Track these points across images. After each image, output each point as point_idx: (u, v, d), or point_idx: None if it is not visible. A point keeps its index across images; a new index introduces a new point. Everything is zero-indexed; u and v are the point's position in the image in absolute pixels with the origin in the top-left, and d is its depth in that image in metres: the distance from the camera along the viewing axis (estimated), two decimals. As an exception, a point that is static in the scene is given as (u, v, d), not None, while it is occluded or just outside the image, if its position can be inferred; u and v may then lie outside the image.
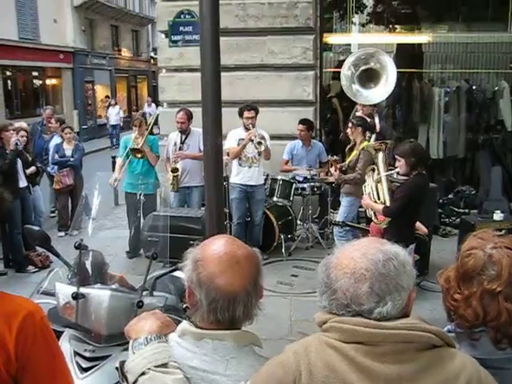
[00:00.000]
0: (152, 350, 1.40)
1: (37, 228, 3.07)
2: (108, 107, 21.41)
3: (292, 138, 7.02)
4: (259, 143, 6.07)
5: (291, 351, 1.28)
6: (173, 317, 1.97)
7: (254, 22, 7.27)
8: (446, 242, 6.84)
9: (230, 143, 6.19)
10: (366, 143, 5.71)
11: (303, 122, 6.85)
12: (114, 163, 8.07)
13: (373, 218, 4.72)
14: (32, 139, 7.66)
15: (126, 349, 1.56)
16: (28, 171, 6.68)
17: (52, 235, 4.11)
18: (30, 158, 6.75)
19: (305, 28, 7.24)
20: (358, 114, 6.30)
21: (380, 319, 1.23)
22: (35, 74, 20.28)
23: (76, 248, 2.63)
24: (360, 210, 5.93)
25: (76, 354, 2.50)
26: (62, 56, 20.85)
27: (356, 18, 9.05)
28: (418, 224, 4.77)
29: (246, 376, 1.35)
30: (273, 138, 6.47)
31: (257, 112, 6.22)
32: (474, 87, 8.98)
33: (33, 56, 18.74)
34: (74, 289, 2.51)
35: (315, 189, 6.86)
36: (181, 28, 6.92)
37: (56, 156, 7.89)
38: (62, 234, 7.57)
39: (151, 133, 6.98)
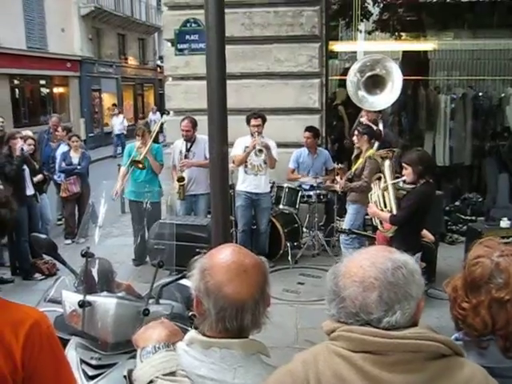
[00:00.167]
0: (160, 359, 1.40)
1: (44, 236, 3.09)
2: (112, 117, 21.57)
3: (298, 145, 7.03)
4: (260, 151, 6.09)
5: (300, 360, 1.27)
6: (179, 325, 1.97)
7: (260, 30, 7.30)
8: (453, 249, 6.80)
9: (236, 151, 6.21)
10: (371, 151, 5.71)
11: (309, 129, 6.85)
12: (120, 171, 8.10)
13: (379, 227, 4.70)
14: (39, 147, 7.70)
15: (133, 357, 1.56)
16: (35, 179, 6.72)
17: (59, 243, 4.13)
18: (37, 166, 6.80)
19: (310, 36, 7.26)
20: (363, 119, 6.30)
21: (389, 328, 1.22)
22: (42, 82, 20.43)
23: (82, 256, 2.64)
24: (366, 217, 5.92)
25: (82, 361, 2.50)
26: (69, 64, 20.99)
27: (362, 26, 9.08)
28: (424, 231, 4.75)
29: (253, 385, 1.35)
30: (279, 145, 6.48)
31: (264, 120, 6.23)
32: (480, 94, 8.96)
33: (40, 65, 18.87)
34: (80, 297, 2.52)
35: (321, 196, 6.85)
36: (187, 36, 6.97)
37: (63, 164, 7.93)
38: (69, 241, 7.59)
39: (156, 141, 7.02)
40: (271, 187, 6.71)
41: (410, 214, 4.35)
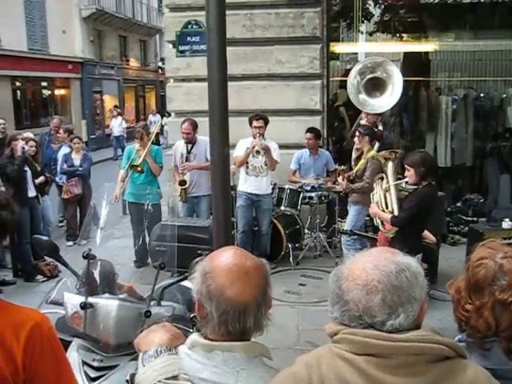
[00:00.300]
0: (162, 363, 1.39)
1: (45, 238, 3.09)
2: (111, 119, 21.67)
3: (299, 147, 7.03)
4: (257, 152, 6.11)
5: (302, 363, 1.27)
6: (181, 326, 1.97)
7: (261, 31, 7.30)
8: (455, 250, 6.79)
9: (237, 152, 6.22)
10: (372, 152, 5.71)
11: (311, 130, 6.86)
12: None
13: (380, 227, 4.70)
14: (40, 149, 7.71)
15: (134, 358, 1.56)
16: (37, 181, 6.72)
17: (60, 245, 4.13)
18: (39, 168, 6.80)
19: (312, 37, 7.26)
20: (363, 122, 6.30)
21: (392, 331, 1.22)
22: (44, 84, 20.45)
23: (84, 258, 2.64)
24: (366, 218, 5.92)
25: (84, 363, 2.50)
26: (70, 66, 21.02)
27: (363, 27, 9.09)
28: (426, 232, 4.75)
29: (256, 387, 1.34)
30: (280, 147, 6.47)
31: (266, 122, 6.23)
32: (481, 95, 8.96)
33: (42, 66, 18.91)
34: (82, 298, 2.52)
35: (323, 198, 6.85)
36: (188, 38, 6.97)
37: (64, 166, 7.93)
38: (71, 243, 7.58)
39: (156, 142, 7.02)
40: (272, 188, 6.71)
41: (411, 215, 4.35)
